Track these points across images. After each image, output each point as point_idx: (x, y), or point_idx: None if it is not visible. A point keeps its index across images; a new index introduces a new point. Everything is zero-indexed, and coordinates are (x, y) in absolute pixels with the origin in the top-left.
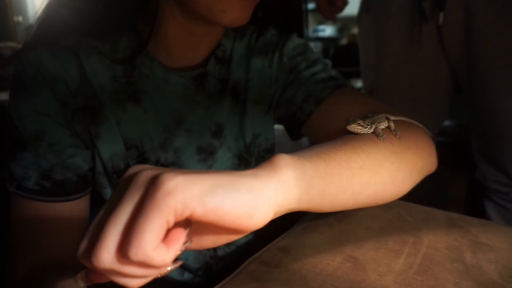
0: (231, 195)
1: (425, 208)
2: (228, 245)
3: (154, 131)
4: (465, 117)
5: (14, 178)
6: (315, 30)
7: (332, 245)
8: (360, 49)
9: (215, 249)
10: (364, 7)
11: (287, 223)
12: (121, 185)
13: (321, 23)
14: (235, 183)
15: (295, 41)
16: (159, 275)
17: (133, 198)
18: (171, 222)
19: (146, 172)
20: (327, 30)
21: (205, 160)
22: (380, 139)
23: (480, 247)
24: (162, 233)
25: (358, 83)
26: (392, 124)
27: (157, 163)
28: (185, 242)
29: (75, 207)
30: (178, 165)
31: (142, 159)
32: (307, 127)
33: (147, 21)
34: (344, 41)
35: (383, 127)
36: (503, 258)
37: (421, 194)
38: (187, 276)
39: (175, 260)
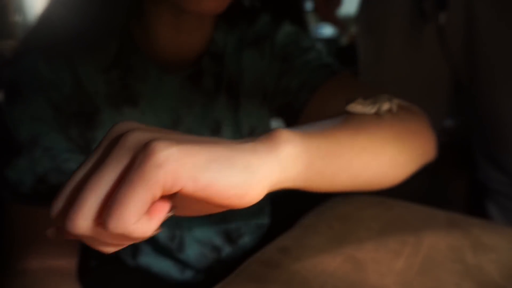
0: (226, 173)
1: (426, 208)
2: (233, 248)
3: None
4: (465, 117)
5: (8, 184)
6: (315, 30)
7: (333, 245)
8: (359, 49)
9: (219, 252)
10: (363, 7)
11: (288, 223)
12: (105, 143)
13: (321, 23)
14: (231, 159)
15: (287, 28)
16: (136, 241)
17: (118, 164)
18: (158, 196)
19: (137, 134)
20: (327, 30)
21: None
22: (382, 120)
23: (481, 248)
24: (146, 207)
25: None
26: (394, 106)
27: None
28: (168, 212)
29: None
30: None
31: None
32: (303, 117)
33: (136, 22)
34: (344, 41)
35: (385, 108)
36: (505, 259)
37: (421, 194)
38: (188, 274)
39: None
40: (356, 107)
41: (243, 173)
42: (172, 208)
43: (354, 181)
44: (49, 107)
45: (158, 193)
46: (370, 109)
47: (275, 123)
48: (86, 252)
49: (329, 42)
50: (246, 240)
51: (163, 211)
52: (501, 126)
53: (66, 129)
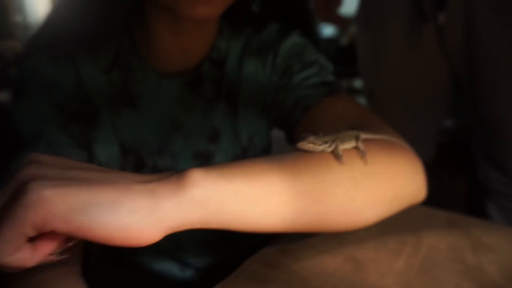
0: (104, 217)
1: (426, 208)
2: (230, 246)
3: (151, 136)
4: (465, 117)
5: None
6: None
7: (333, 245)
8: (359, 49)
9: (216, 250)
10: (362, 7)
11: None
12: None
13: (321, 22)
14: (117, 202)
15: (293, 40)
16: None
17: (1, 199)
18: (32, 234)
19: (27, 171)
20: (327, 30)
21: (202, 166)
22: (337, 161)
23: (481, 248)
24: (18, 243)
25: (358, 83)
26: (361, 145)
27: (155, 168)
28: (69, 242)
29: None
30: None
31: (139, 164)
32: (297, 134)
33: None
34: (344, 41)
35: (347, 147)
36: (505, 259)
37: None
38: (188, 273)
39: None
40: (306, 146)
41: (127, 217)
42: (72, 240)
43: (288, 225)
44: (51, 105)
45: (28, 231)
46: (324, 148)
47: (276, 130)
48: (86, 250)
49: (329, 42)
50: (244, 239)
51: (48, 245)
52: (501, 126)
53: (68, 128)
